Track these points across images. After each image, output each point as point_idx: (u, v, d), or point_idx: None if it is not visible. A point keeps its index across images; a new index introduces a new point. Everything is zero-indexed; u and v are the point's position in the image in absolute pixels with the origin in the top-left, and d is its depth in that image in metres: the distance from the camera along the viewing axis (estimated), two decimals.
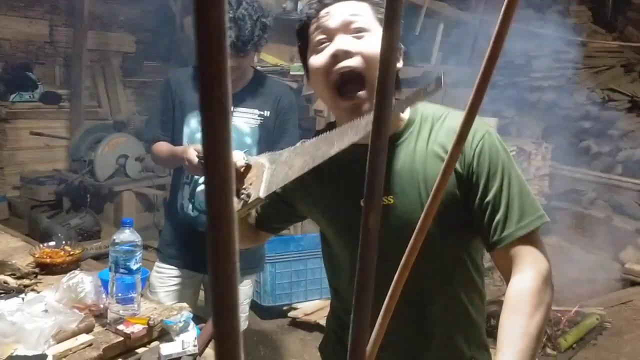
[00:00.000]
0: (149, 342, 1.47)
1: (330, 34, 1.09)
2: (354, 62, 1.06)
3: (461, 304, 1.19)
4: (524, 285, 1.03)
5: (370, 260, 0.35)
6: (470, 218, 1.11)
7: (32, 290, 1.65)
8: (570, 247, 4.96)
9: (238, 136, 2.05)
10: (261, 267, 2.44)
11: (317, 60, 1.10)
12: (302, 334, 3.48)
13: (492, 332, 1.11)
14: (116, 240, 1.45)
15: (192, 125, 2.09)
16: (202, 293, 2.43)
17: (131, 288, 1.47)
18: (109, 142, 4.87)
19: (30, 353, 1.28)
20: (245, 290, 2.23)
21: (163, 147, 2.12)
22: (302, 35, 1.16)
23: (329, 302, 1.44)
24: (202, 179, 1.26)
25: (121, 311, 1.47)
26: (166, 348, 1.39)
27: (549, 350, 3.26)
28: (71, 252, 1.88)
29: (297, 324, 3.56)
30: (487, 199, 1.08)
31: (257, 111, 2.08)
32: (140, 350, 1.44)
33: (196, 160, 1.82)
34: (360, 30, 1.08)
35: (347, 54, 1.06)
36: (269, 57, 4.08)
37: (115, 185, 4.87)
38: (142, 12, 5.77)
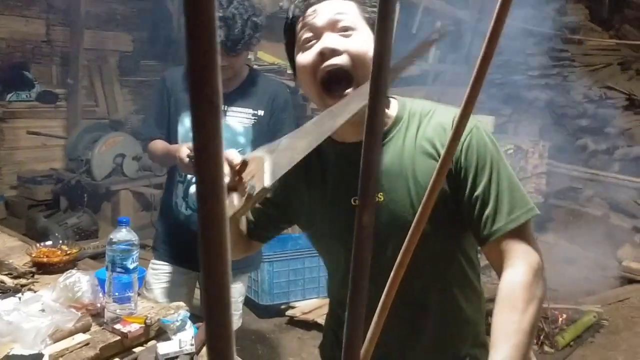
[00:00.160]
0: (146, 342, 1.47)
1: (317, 32, 1.09)
2: (341, 60, 1.06)
3: (454, 300, 1.18)
4: (515, 279, 1.02)
5: (364, 258, 0.35)
6: (460, 213, 1.11)
7: (29, 289, 1.65)
8: (568, 245, 4.97)
9: (231, 136, 2.04)
10: (255, 265, 2.44)
11: (305, 58, 1.10)
12: (300, 333, 3.48)
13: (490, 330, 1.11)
14: (113, 240, 1.44)
15: (187, 124, 2.08)
16: (197, 292, 2.43)
17: (128, 287, 1.47)
18: (106, 141, 4.85)
19: (26, 352, 1.28)
20: (238, 288, 2.22)
21: (159, 145, 2.11)
22: (289, 33, 1.16)
23: (326, 300, 1.44)
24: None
25: (118, 310, 1.47)
26: (163, 347, 1.39)
27: (546, 348, 3.27)
28: (68, 252, 1.88)
29: (294, 322, 3.56)
30: (477, 193, 1.07)
31: (250, 110, 2.06)
32: (137, 350, 1.44)
33: (187, 159, 1.81)
34: (347, 28, 1.08)
35: (334, 52, 1.06)
36: (266, 56, 4.08)
37: (112, 185, 4.86)
38: (139, 11, 5.76)
